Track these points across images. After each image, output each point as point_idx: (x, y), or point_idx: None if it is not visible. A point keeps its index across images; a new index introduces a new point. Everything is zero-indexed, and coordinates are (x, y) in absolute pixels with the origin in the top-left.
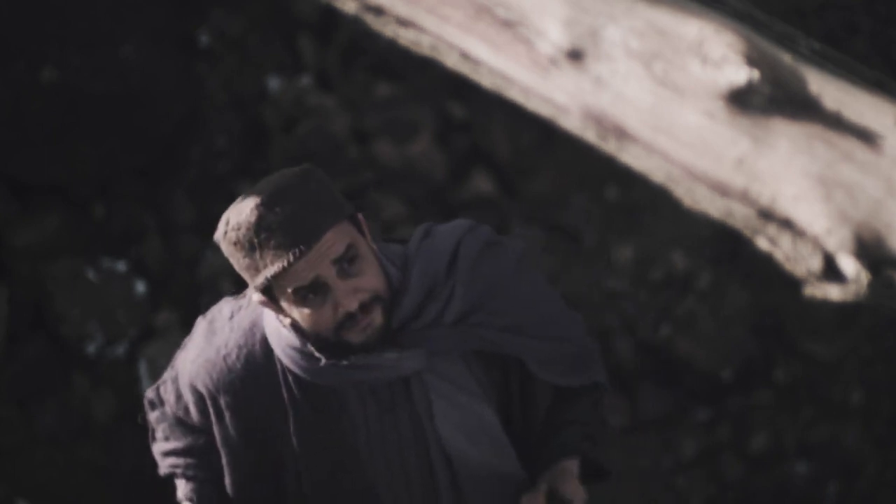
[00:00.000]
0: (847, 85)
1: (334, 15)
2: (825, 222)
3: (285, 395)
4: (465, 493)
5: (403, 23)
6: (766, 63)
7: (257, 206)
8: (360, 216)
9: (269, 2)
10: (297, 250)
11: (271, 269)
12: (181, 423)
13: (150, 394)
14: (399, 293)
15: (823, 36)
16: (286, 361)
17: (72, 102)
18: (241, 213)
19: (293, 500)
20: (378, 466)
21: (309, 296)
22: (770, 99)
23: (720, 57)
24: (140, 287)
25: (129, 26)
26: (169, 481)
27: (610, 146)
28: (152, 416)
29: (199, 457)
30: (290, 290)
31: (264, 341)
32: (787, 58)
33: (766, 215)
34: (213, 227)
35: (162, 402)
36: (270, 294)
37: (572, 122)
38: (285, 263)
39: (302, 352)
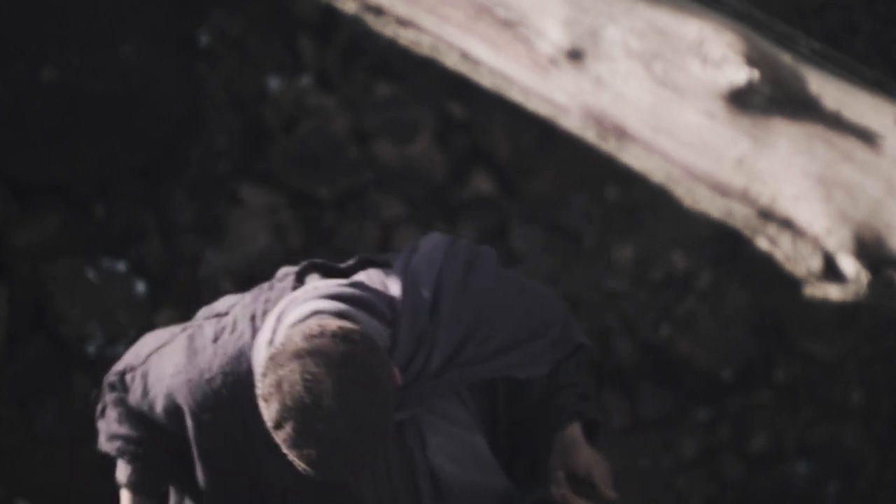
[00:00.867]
0: (847, 85)
1: (334, 15)
2: (825, 222)
3: (269, 431)
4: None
5: (403, 23)
6: (766, 63)
7: (293, 410)
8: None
9: (269, 2)
10: (328, 477)
11: (300, 465)
12: (139, 416)
13: (111, 377)
14: (389, 352)
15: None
16: None
17: (72, 102)
18: (284, 398)
19: None
20: (367, 497)
21: None
22: (770, 99)
23: (720, 57)
24: (140, 287)
25: (129, 26)
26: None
27: (610, 146)
28: (109, 396)
29: (150, 450)
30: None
31: (250, 373)
32: (787, 58)
33: (766, 215)
34: (214, 227)
35: (126, 389)
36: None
37: (572, 122)
38: (308, 471)
39: None
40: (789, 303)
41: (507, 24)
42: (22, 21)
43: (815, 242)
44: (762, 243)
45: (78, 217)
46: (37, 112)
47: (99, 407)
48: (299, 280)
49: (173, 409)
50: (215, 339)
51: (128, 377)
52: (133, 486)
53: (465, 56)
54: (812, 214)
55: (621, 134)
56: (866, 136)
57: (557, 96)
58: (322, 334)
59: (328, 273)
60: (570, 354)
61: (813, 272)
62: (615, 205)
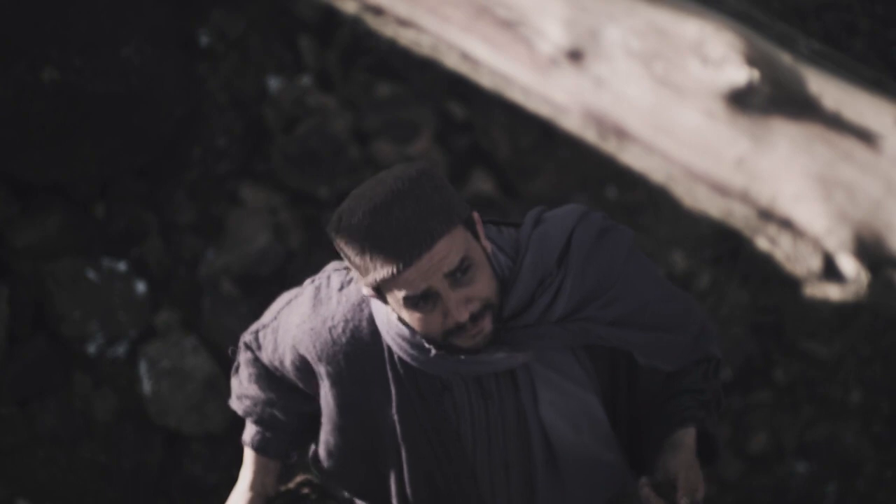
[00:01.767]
0: (847, 85)
1: (334, 15)
2: (825, 222)
3: (390, 375)
4: (565, 479)
5: (403, 23)
6: (766, 63)
7: (370, 212)
8: (475, 216)
9: (270, 2)
10: (407, 258)
11: (381, 273)
12: (270, 375)
13: (247, 336)
14: (509, 283)
15: (823, 36)
16: (393, 346)
17: (73, 103)
18: (353, 214)
19: (390, 478)
20: (480, 452)
21: (419, 303)
22: (770, 99)
23: (720, 57)
24: (140, 287)
25: (130, 27)
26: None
27: (610, 146)
28: (244, 356)
29: (279, 411)
30: (401, 296)
31: (371, 320)
32: (786, 58)
33: (766, 215)
34: (214, 227)
35: (259, 347)
36: (380, 293)
37: (572, 122)
38: (395, 271)
39: (411, 342)
40: (789, 303)
41: (507, 24)
42: (23, 21)
43: (815, 242)
44: (762, 243)
45: (78, 217)
46: (38, 112)
47: (234, 365)
48: None
49: (300, 361)
50: (340, 289)
51: (261, 335)
52: (257, 446)
53: (465, 56)
54: (812, 214)
55: (621, 134)
56: (866, 136)
57: (557, 96)
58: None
59: None
60: (700, 361)
61: (813, 272)
62: (615, 205)
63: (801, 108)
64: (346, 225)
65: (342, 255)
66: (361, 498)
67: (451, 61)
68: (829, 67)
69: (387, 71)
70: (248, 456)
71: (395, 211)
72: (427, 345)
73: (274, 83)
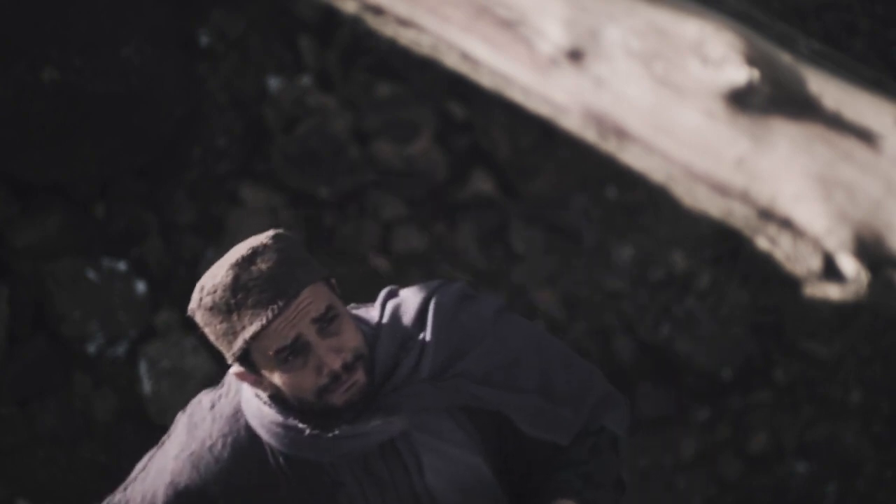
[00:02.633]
0: (847, 85)
1: (334, 15)
2: (825, 222)
3: (278, 477)
4: None
5: (403, 22)
6: (766, 63)
7: (232, 267)
8: (332, 281)
9: (270, 2)
10: (276, 306)
11: (250, 329)
12: None
13: (115, 498)
14: (372, 349)
15: (823, 36)
16: (272, 441)
17: (73, 103)
18: (215, 277)
19: None
20: None
21: (290, 357)
22: (770, 99)
23: (720, 57)
24: (140, 287)
25: (130, 27)
26: None
27: (610, 146)
28: None
29: None
30: (271, 353)
31: (248, 426)
32: (786, 58)
33: (766, 215)
34: (214, 227)
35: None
36: (249, 363)
37: (572, 122)
38: (264, 321)
39: (285, 426)
40: (789, 303)
41: (508, 24)
42: (23, 21)
43: (815, 242)
44: (762, 243)
45: (79, 217)
46: (38, 112)
47: None
48: None
49: (182, 498)
50: (212, 407)
51: (128, 490)
52: None
53: (465, 56)
54: (812, 214)
55: (621, 133)
56: (866, 136)
57: (557, 96)
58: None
59: None
60: (591, 434)
61: (813, 272)
62: (615, 205)
63: (801, 108)
64: (210, 288)
65: (208, 331)
66: None
67: (451, 61)
68: (829, 67)
69: (387, 71)
70: None
71: (258, 263)
72: (301, 425)
73: (274, 83)
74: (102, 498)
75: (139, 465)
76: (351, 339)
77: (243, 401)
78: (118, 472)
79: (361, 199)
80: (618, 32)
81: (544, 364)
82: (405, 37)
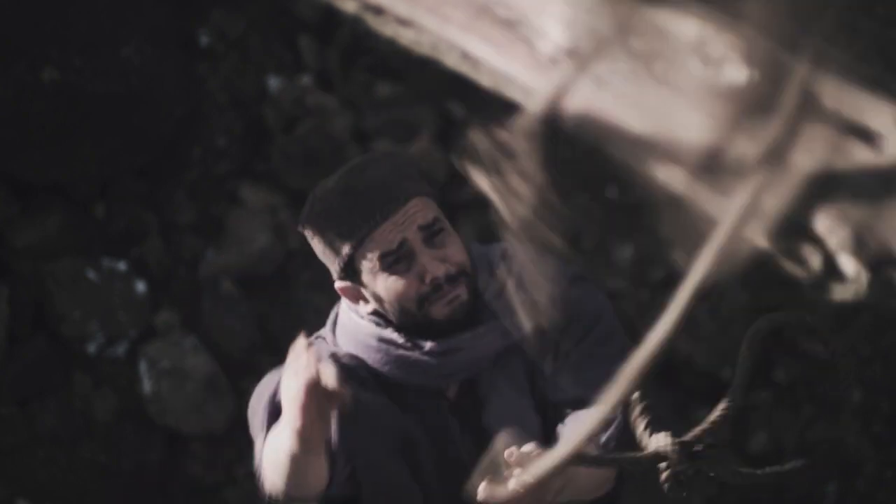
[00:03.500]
0: (847, 85)
1: (334, 15)
2: (825, 222)
3: (374, 398)
4: None
5: (404, 22)
6: (766, 63)
7: (344, 174)
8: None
9: (270, 2)
10: (384, 209)
11: (358, 232)
12: None
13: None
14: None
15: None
16: (367, 356)
17: (73, 103)
18: (327, 184)
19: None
20: (433, 462)
21: (394, 263)
22: (769, 98)
23: (720, 57)
24: (140, 287)
25: (130, 27)
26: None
27: (610, 145)
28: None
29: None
30: (376, 257)
31: (346, 355)
32: (786, 58)
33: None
34: (214, 227)
35: None
36: (353, 272)
37: (572, 122)
38: (372, 223)
39: (381, 339)
40: (789, 303)
41: (508, 24)
42: (23, 21)
43: (816, 242)
44: (762, 244)
45: (78, 217)
46: (38, 112)
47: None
48: None
49: None
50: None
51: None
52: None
53: (465, 55)
54: (812, 214)
55: (621, 133)
56: (866, 136)
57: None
58: None
59: None
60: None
61: (813, 272)
62: (615, 205)
63: (801, 108)
64: (321, 194)
65: (315, 241)
66: None
67: (452, 61)
68: (829, 67)
69: (387, 71)
70: None
71: (370, 171)
72: (397, 336)
73: (274, 83)
74: (102, 498)
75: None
76: (456, 254)
77: (339, 332)
78: (118, 472)
79: None
80: (618, 32)
81: (609, 331)
82: (405, 37)
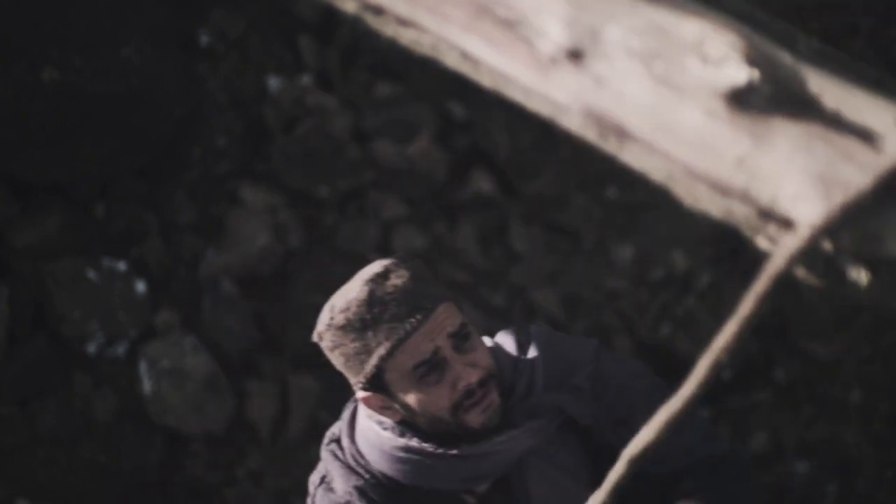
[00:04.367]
0: (847, 84)
1: (334, 15)
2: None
3: None
4: None
5: (403, 22)
6: (767, 62)
7: (366, 283)
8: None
9: (270, 2)
10: (415, 319)
11: (387, 344)
12: None
13: None
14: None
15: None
16: (390, 470)
17: (73, 103)
18: (347, 293)
19: None
20: None
21: (427, 373)
22: (770, 98)
23: (720, 56)
24: (140, 287)
25: (130, 27)
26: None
27: (610, 145)
28: None
29: None
30: (408, 369)
31: (368, 470)
32: (787, 57)
33: (767, 214)
34: (214, 227)
35: None
36: (379, 384)
37: (572, 122)
38: (402, 333)
39: (406, 448)
40: (789, 303)
41: (508, 24)
42: (23, 21)
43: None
44: (762, 243)
45: (79, 217)
46: (38, 112)
47: None
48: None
49: None
50: (327, 479)
51: None
52: None
53: (465, 55)
54: (812, 214)
55: (621, 133)
56: (866, 136)
57: (558, 96)
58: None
59: None
60: (708, 458)
61: (813, 272)
62: (615, 205)
63: (802, 107)
64: (342, 306)
65: (335, 355)
66: None
67: (452, 61)
68: (829, 67)
69: (387, 71)
70: None
71: (392, 279)
72: (423, 444)
73: (274, 83)
74: (102, 498)
75: None
76: (483, 357)
77: (360, 442)
78: (118, 472)
79: (361, 199)
80: (618, 32)
81: (651, 391)
82: (405, 37)
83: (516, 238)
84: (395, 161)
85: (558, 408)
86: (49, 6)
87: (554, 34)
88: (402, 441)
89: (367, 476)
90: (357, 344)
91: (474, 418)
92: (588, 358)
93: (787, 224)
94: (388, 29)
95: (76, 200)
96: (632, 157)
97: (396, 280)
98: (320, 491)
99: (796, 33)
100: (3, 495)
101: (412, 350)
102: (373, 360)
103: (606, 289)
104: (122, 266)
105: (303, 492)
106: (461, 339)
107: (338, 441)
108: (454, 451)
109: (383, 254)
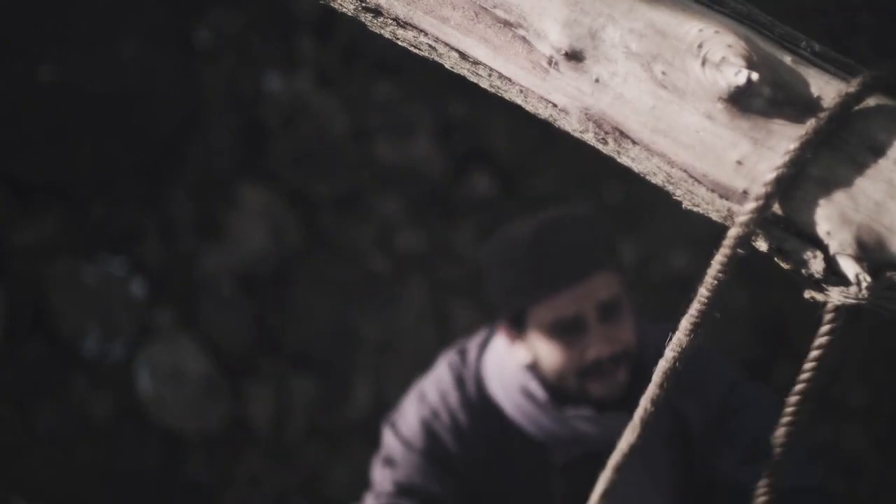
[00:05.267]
0: (847, 86)
1: (334, 14)
2: (826, 224)
3: (505, 450)
4: None
5: (402, 24)
6: (767, 64)
7: (539, 228)
8: (623, 276)
9: (269, 1)
10: (570, 278)
11: (538, 293)
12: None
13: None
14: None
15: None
16: (507, 405)
17: (71, 102)
18: (520, 229)
19: None
20: None
21: (565, 332)
22: (770, 101)
23: (720, 58)
24: (139, 287)
25: (129, 26)
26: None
27: (609, 148)
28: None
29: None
30: (547, 322)
31: (486, 398)
32: (787, 59)
33: (767, 217)
34: (214, 227)
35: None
36: (519, 322)
37: (571, 124)
38: (554, 289)
39: (527, 392)
40: (789, 304)
41: (507, 25)
42: (22, 21)
43: (816, 244)
44: (762, 245)
45: (77, 217)
46: (36, 112)
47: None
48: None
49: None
50: (458, 381)
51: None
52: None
53: (464, 57)
54: (813, 216)
55: (621, 135)
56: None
57: (557, 97)
58: None
59: None
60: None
61: (813, 274)
62: (615, 205)
63: (802, 109)
64: (513, 241)
65: (491, 277)
66: None
67: (450, 62)
68: (829, 69)
69: (387, 71)
70: None
71: (564, 232)
72: (540, 391)
73: (273, 82)
74: (102, 498)
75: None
76: (625, 333)
77: (486, 369)
78: (117, 473)
79: (361, 199)
80: (617, 34)
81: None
82: (404, 37)
83: None
84: (394, 161)
85: (680, 413)
86: (48, 5)
87: (553, 36)
88: (523, 379)
89: (473, 391)
90: (512, 280)
91: (596, 388)
92: (726, 381)
93: (787, 226)
94: (387, 30)
95: (74, 200)
96: (631, 160)
97: (567, 234)
98: (414, 397)
99: (797, 34)
100: (2, 495)
101: (557, 307)
102: (519, 301)
103: None
104: (120, 266)
105: (302, 492)
106: (609, 311)
107: (463, 354)
108: (563, 411)
109: (382, 254)
